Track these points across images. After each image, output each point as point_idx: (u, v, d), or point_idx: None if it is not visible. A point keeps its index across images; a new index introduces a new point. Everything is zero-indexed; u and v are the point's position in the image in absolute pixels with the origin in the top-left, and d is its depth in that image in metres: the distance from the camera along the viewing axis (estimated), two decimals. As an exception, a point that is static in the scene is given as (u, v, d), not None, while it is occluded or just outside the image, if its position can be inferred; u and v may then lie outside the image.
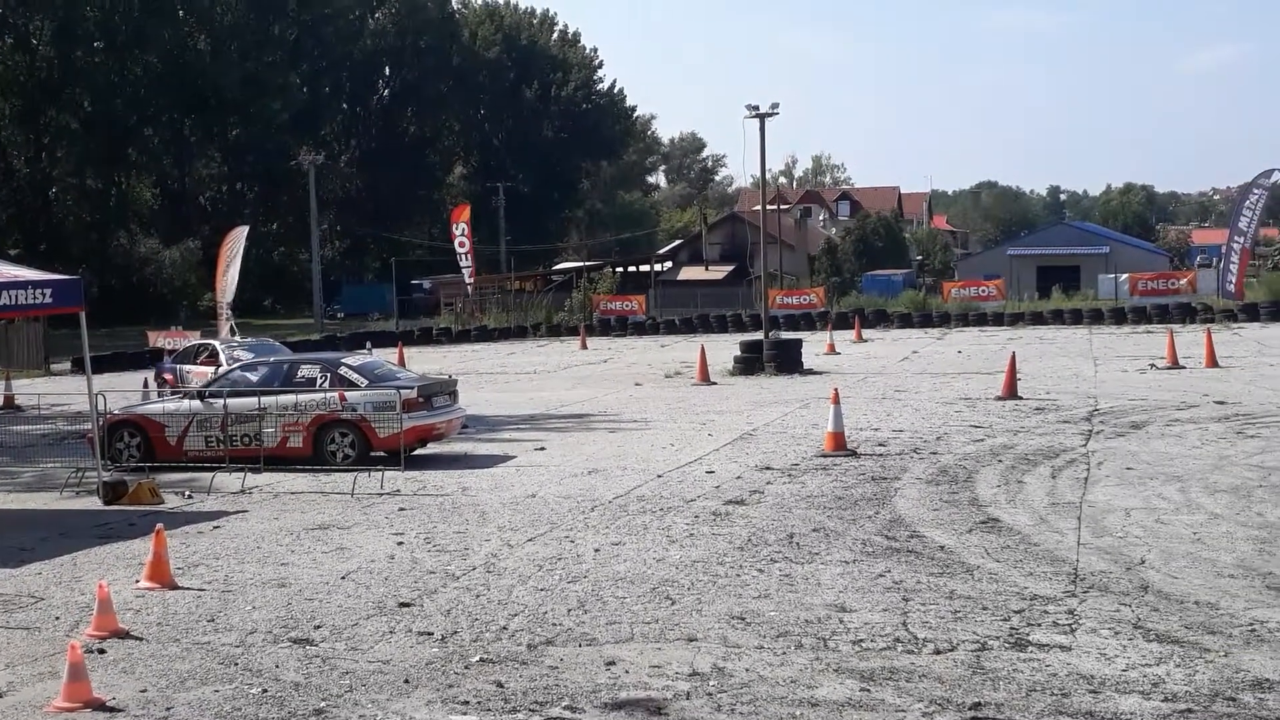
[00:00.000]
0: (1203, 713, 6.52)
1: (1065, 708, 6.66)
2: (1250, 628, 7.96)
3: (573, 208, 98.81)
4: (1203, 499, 12.26)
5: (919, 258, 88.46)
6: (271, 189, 79.46)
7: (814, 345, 35.01)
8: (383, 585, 9.96)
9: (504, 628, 8.60)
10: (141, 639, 8.62)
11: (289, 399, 16.72)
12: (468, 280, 57.49)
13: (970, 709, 6.69)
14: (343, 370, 17.22)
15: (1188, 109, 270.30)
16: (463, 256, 56.69)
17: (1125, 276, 50.53)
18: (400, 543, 11.59)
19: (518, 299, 58.37)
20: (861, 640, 8.01)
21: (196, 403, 17.21)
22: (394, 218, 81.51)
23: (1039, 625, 8.20)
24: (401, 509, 13.38)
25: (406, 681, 7.53)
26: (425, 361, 34.79)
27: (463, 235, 56.56)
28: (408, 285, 69.09)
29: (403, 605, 9.30)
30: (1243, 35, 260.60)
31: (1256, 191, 45.77)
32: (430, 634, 8.52)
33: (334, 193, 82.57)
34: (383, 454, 16.31)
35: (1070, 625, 8.17)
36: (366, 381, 16.94)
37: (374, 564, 10.75)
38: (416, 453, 16.99)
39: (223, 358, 25.20)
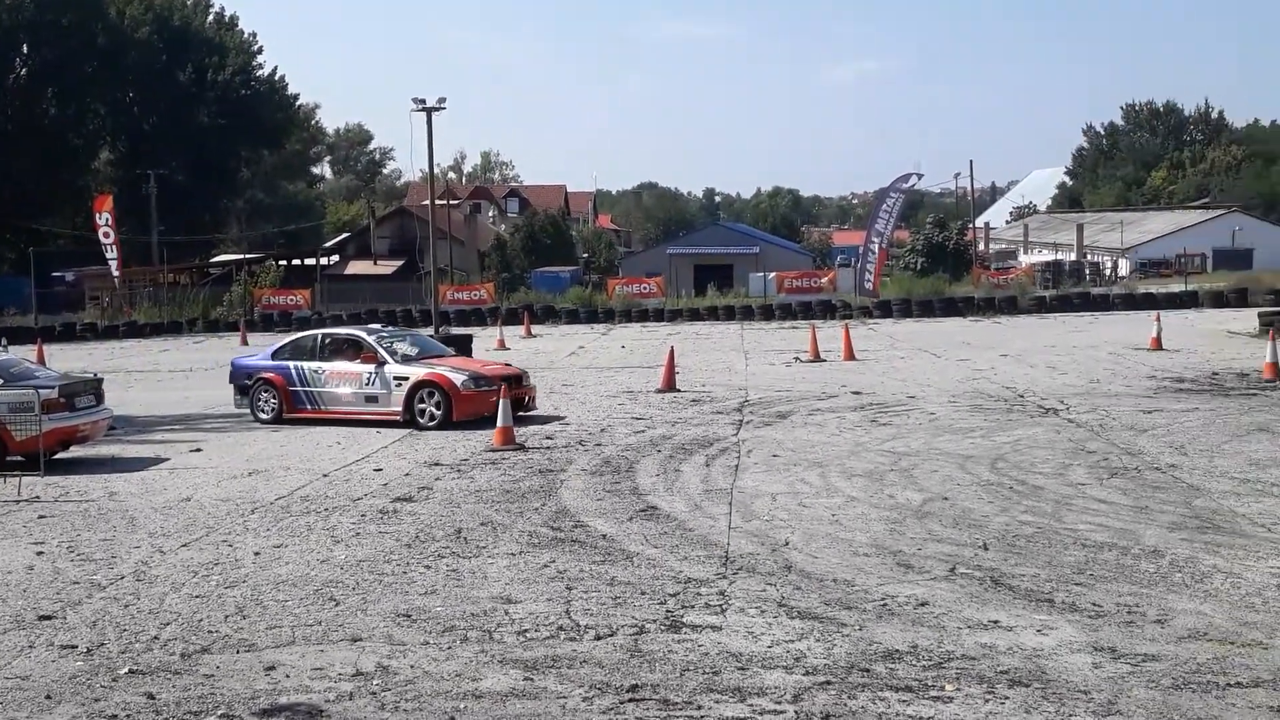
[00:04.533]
0: (840, 684, 6.99)
1: (716, 685, 7.02)
2: (882, 602, 8.60)
3: (232, 198, 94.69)
4: (840, 483, 13.16)
5: (585, 255, 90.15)
6: (-111, 171, 72.07)
7: (485, 341, 35.13)
8: (21, 598, 9.32)
9: (155, 637, 8.23)
10: None
11: (-91, 401, 15.30)
12: (115, 273, 54.23)
13: (628, 691, 6.95)
14: (-28, 369, 15.92)
15: (829, 118, 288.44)
16: (108, 247, 53.48)
17: (773, 275, 53.37)
18: (40, 552, 10.87)
19: (172, 293, 55.53)
20: (526, 630, 8.17)
21: None
22: (33, 205, 75.59)
23: (693, 607, 8.59)
24: (41, 516, 12.53)
25: (48, 697, 7.09)
26: (68, 359, 32.60)
27: (107, 225, 53.35)
28: (48, 277, 64.36)
29: (43, 618, 8.74)
30: (879, 51, 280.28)
31: (894, 195, 49.34)
32: (74, 647, 8.04)
33: (-38, 176, 75.79)
34: (20, 458, 15.20)
35: (721, 606, 8.61)
36: (2, 381, 15.74)
37: (10, 575, 10.04)
38: (58, 456, 15.95)
39: (383, 353, 19.40)
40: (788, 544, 10.41)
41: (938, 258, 65.69)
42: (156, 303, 52.63)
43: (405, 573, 9.84)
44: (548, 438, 17.19)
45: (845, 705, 6.64)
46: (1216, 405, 18.19)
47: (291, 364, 19.83)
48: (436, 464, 15.28)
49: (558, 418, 19.38)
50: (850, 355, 28.19)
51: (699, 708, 6.65)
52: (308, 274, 65.46)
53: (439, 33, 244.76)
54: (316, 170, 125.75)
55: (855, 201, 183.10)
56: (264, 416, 19.79)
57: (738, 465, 14.49)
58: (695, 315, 48.06)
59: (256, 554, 10.62)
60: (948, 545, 10.21)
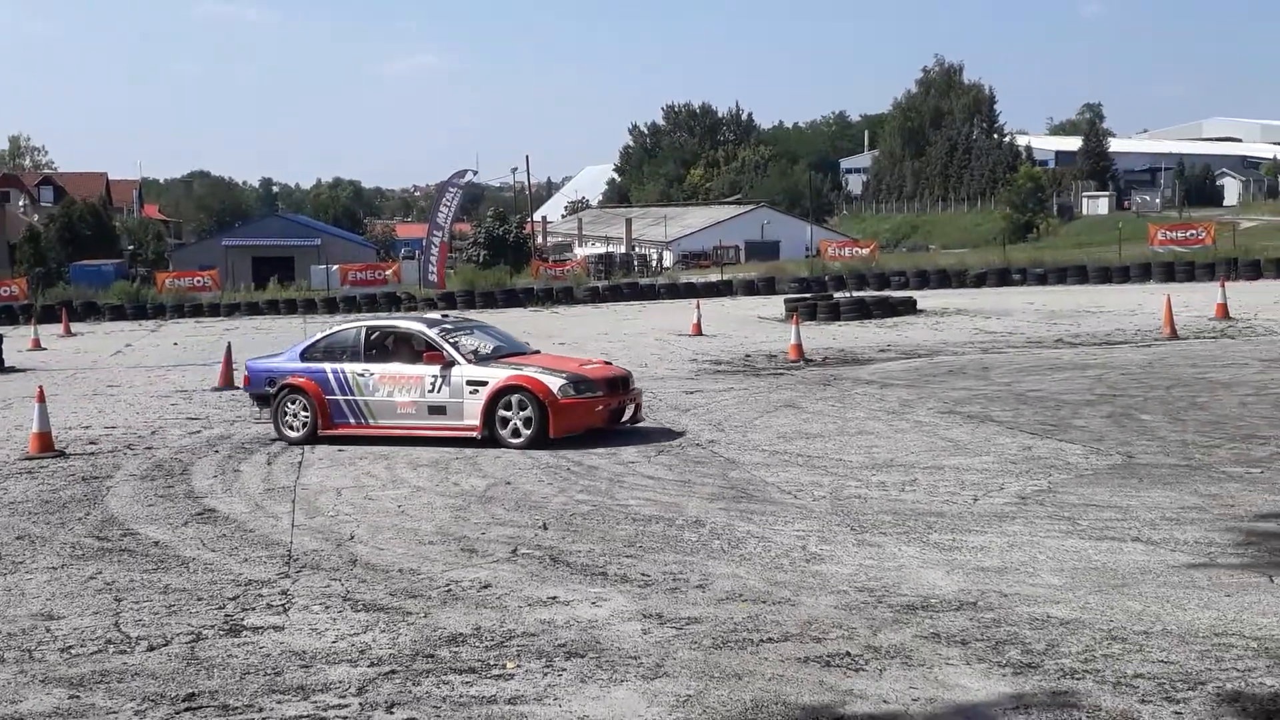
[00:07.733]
0: (405, 672, 7.05)
1: (278, 685, 6.90)
2: (447, 588, 8.75)
3: None
4: (407, 474, 13.24)
5: (131, 247, 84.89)
6: None
7: (17, 341, 32.54)
8: None
9: None
10: None
11: None
12: None
13: (184, 700, 6.71)
14: None
15: (389, 110, 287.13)
16: None
17: (336, 267, 52.63)
18: None
19: None
20: (71, 647, 7.69)
21: None
22: None
23: (253, 609, 8.40)
24: None
25: None
26: None
27: None
28: None
29: None
30: (436, 47, 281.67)
31: (452, 190, 50.04)
32: None
33: None
34: None
35: (284, 605, 8.46)
36: None
37: None
38: None
39: (450, 350, 15.16)
40: (353, 538, 10.37)
41: (499, 250, 67.07)
42: None
43: (-73, 597, 8.99)
44: (92, 442, 16.14)
45: (410, 692, 6.73)
46: (749, 384, 19.76)
47: (328, 366, 15.61)
48: (-38, 477, 13.99)
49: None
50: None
51: (260, 710, 6.54)
52: None
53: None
54: None
55: (418, 194, 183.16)
56: (293, 435, 15.52)
57: (301, 462, 14.23)
58: (255, 309, 46.50)
59: None
60: (510, 528, 10.53)
